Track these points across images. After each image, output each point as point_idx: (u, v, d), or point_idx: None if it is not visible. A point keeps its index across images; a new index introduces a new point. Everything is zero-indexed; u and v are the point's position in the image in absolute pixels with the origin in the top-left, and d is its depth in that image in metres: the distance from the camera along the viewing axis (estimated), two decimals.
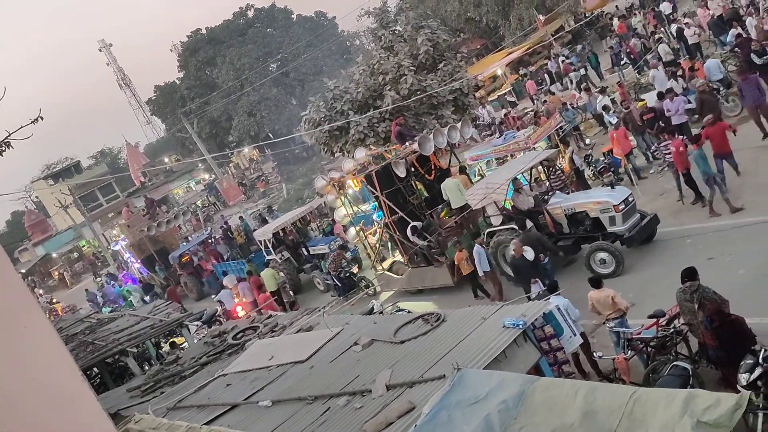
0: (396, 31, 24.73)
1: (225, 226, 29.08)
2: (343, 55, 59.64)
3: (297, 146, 53.66)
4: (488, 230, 14.16)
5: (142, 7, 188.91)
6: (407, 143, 16.92)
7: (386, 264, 16.89)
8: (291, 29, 60.77)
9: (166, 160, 73.49)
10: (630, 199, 12.90)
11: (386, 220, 15.86)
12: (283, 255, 21.03)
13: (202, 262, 26.60)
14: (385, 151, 17.18)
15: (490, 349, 6.65)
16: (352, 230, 17.87)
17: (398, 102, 21.59)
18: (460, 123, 17.17)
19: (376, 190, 15.63)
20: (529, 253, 11.94)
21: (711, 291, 8.06)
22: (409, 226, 15.21)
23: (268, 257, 21.00)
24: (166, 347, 15.94)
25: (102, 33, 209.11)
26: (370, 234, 17.73)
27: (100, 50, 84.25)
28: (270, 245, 20.84)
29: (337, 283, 17.63)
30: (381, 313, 11.99)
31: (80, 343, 14.36)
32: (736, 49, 18.92)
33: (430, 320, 7.99)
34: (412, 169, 16.45)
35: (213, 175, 56.68)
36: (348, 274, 17.69)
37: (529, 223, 13.49)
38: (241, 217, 30.67)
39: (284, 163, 55.77)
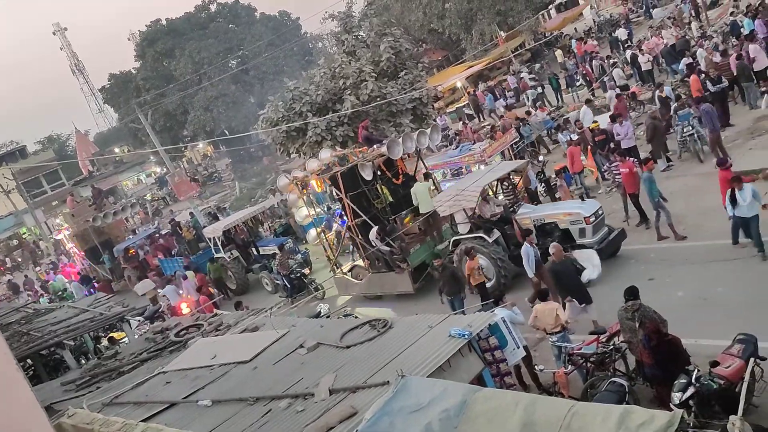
0: (359, 37, 24.79)
1: (174, 220, 28.54)
2: (305, 56, 59.29)
3: (253, 145, 53.07)
4: (454, 238, 14.07)
5: None
6: (374, 146, 16.85)
7: (346, 267, 16.69)
8: (253, 27, 60.15)
9: (117, 150, 71.62)
10: (600, 212, 13.09)
11: (349, 223, 15.70)
12: (232, 253, 20.78)
13: (148, 257, 26.04)
14: (351, 153, 16.99)
15: (435, 358, 6.69)
16: (313, 231, 17.63)
17: (357, 107, 21.61)
18: (429, 129, 17.16)
19: (341, 192, 15.42)
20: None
21: (651, 310, 8.31)
22: (372, 230, 15.07)
23: (216, 255, 20.72)
24: (105, 342, 15.50)
25: (58, 16, 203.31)
26: (331, 236, 17.54)
27: (54, 33, 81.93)
28: (219, 243, 20.58)
29: (286, 284, 17.49)
30: (328, 316, 11.93)
31: (14, 333, 13.84)
32: (687, 78, 19.64)
33: (377, 326, 7.99)
34: (379, 173, 16.28)
35: (165, 169, 55.54)
36: (298, 276, 17.55)
37: (496, 233, 13.48)
38: (191, 213, 30.16)
39: (239, 161, 55.04)
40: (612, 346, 8.72)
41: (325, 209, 18.56)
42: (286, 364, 8.04)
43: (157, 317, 17.43)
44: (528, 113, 23.57)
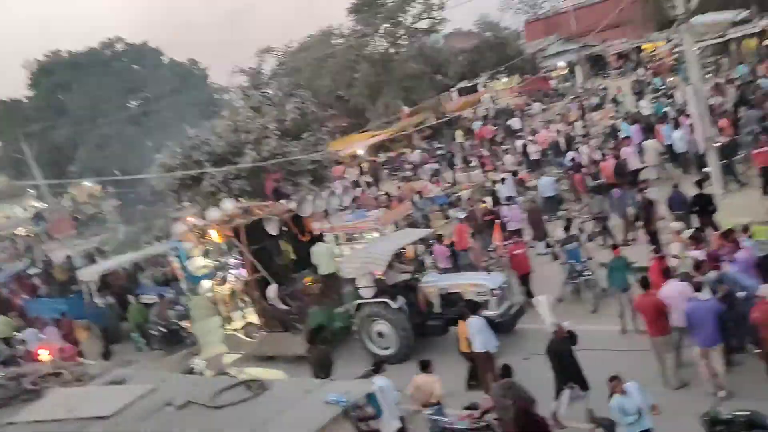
0: (266, 94, 24.96)
1: (46, 258, 26.75)
2: (209, 106, 58.68)
3: (144, 189, 51.23)
4: (358, 302, 13.81)
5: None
6: (282, 201, 16.62)
7: (238, 324, 15.98)
8: (159, 71, 59.09)
9: None
10: (504, 285, 13.28)
11: (248, 278, 15.18)
12: (107, 300, 19.60)
13: (13, 296, 24.08)
14: (255, 206, 16.60)
15: (309, 424, 6.53)
16: (207, 283, 16.83)
17: (258, 162, 21.53)
18: (341, 190, 17.19)
19: (242, 245, 14.94)
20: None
21: (523, 389, 8.59)
22: (271, 287, 14.62)
23: (88, 300, 19.47)
24: None
25: None
26: (227, 290, 16.74)
27: None
28: (94, 287, 19.40)
29: (162, 336, 16.63)
30: (201, 373, 11.42)
31: None
32: (570, 171, 21.12)
33: (253, 387, 7.72)
34: (285, 229, 15.95)
35: (45, 204, 52.27)
36: (176, 328, 16.73)
37: (400, 300, 13.41)
38: (68, 256, 28.40)
39: (127, 205, 52.77)
40: (485, 423, 8.89)
41: (222, 261, 17.63)
42: (151, 422, 7.54)
43: (12, 362, 16.03)
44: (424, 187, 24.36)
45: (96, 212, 50.75)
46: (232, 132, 23.22)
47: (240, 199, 19.28)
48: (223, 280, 16.78)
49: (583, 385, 9.34)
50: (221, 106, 56.37)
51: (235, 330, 15.80)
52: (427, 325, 13.32)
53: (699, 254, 11.17)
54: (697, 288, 9.68)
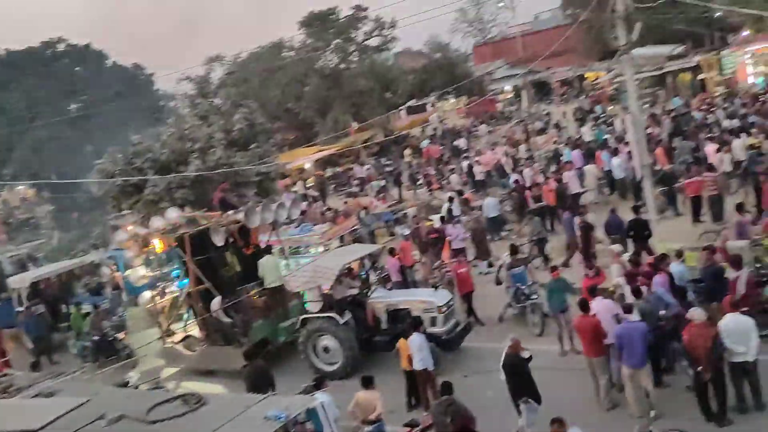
0: (214, 103, 24.67)
1: None
2: (154, 113, 57.55)
3: (81, 195, 49.66)
4: (303, 316, 13.64)
5: None
6: (229, 212, 16.33)
7: (178, 337, 15.47)
8: (102, 74, 57.65)
9: None
10: (451, 303, 13.34)
11: (191, 289, 14.72)
12: (37, 308, 18.82)
13: None
14: (201, 216, 16.16)
15: None
16: (146, 294, 16.29)
17: (203, 171, 21.19)
18: (290, 202, 16.93)
19: (186, 255, 14.49)
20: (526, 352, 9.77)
21: (463, 407, 8.66)
22: (215, 299, 14.19)
23: (17, 309, 18.68)
24: None
25: None
26: (167, 301, 16.17)
27: None
28: (25, 295, 18.64)
29: (96, 347, 16.09)
30: (136, 387, 11.09)
31: None
32: (513, 193, 21.58)
33: (190, 402, 7.55)
34: (231, 240, 15.51)
35: None
36: (111, 339, 16.23)
37: (347, 315, 13.32)
38: None
39: (62, 210, 50.98)
40: None
41: (164, 272, 17.14)
42: None
43: None
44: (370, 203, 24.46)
45: (29, 217, 48.79)
46: (177, 140, 22.83)
47: (185, 208, 18.86)
48: (164, 291, 16.41)
49: (537, 399, 9.39)
50: (167, 113, 55.45)
51: (174, 343, 15.33)
52: (374, 341, 13.25)
53: (622, 280, 11.45)
54: (628, 310, 9.99)
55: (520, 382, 9.46)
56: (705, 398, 9.32)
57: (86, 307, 18.42)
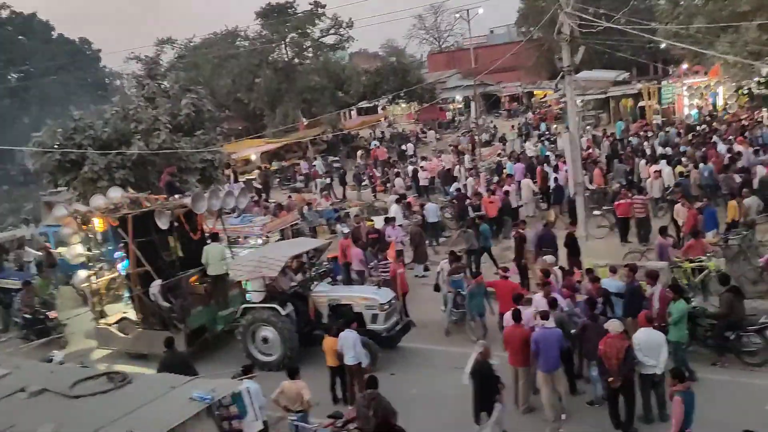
0: (162, 86, 24.25)
1: None
2: (98, 90, 55.96)
3: (15, 167, 47.86)
4: (244, 306, 13.60)
5: None
6: (175, 196, 16.05)
7: (112, 319, 15.12)
8: (47, 46, 55.75)
9: None
10: (393, 301, 13.47)
11: (131, 271, 14.43)
12: None
13: None
14: (146, 198, 15.80)
15: (170, 418, 6.49)
16: (82, 273, 15.88)
17: (144, 153, 20.85)
18: (238, 190, 16.78)
19: (127, 236, 14.21)
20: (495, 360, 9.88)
21: (386, 401, 8.91)
22: (155, 282, 13.97)
23: None
24: None
25: None
26: (103, 282, 15.82)
27: None
28: None
29: (26, 324, 15.68)
30: (62, 363, 10.90)
31: None
32: (454, 200, 22.06)
33: (115, 379, 7.55)
34: (175, 224, 15.17)
35: None
36: (42, 317, 15.78)
37: (289, 306, 13.33)
38: None
39: None
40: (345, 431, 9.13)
41: (102, 251, 16.65)
42: None
43: None
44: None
45: None
46: (120, 119, 22.31)
47: (129, 189, 18.49)
48: (101, 271, 16.06)
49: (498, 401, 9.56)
50: (112, 91, 54.01)
51: (108, 324, 15.02)
52: (314, 335, 13.26)
53: (541, 300, 11.89)
54: (544, 316, 10.47)
55: (489, 387, 9.56)
56: (615, 407, 9.85)
57: (14, 283, 17.87)
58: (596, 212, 19.69)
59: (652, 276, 11.86)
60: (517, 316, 10.72)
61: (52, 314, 16.09)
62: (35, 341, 14.88)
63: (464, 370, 9.77)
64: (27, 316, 15.89)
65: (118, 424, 6.40)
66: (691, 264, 13.88)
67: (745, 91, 33.95)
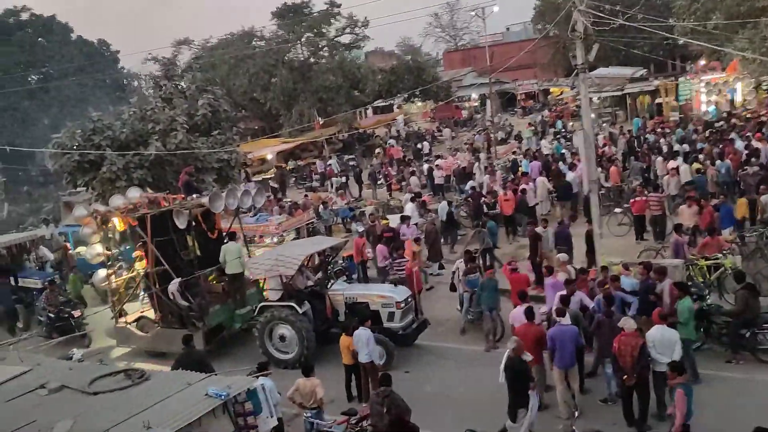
0: (179, 86, 24.47)
1: None
2: (116, 91, 56.57)
3: (35, 168, 48.52)
4: (262, 304, 13.71)
5: None
6: (193, 195, 16.26)
7: (131, 317, 15.37)
8: (66, 47, 56.43)
9: None
10: (409, 299, 13.54)
11: (150, 270, 14.63)
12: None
13: None
14: (164, 198, 15.99)
15: (187, 415, 6.62)
16: (102, 272, 16.02)
17: (162, 153, 21.08)
18: (255, 190, 16.98)
19: (147, 236, 14.42)
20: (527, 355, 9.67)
21: (400, 398, 8.97)
22: (174, 281, 14.15)
23: None
24: None
25: None
26: (122, 280, 16.05)
27: None
28: None
29: (50, 323, 15.95)
30: (81, 361, 11.10)
31: None
32: (469, 199, 22.04)
33: (133, 376, 7.71)
34: (193, 224, 15.41)
35: None
36: (67, 316, 16.01)
37: (306, 305, 13.43)
38: None
39: (14, 182, 49.76)
40: (359, 428, 9.22)
41: (121, 250, 16.90)
42: (20, 404, 7.36)
43: None
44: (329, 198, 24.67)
45: None
46: (138, 120, 22.59)
47: (147, 189, 18.72)
48: (120, 270, 16.30)
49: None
50: (130, 92, 54.52)
51: (128, 323, 15.26)
52: (331, 333, 13.35)
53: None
54: (560, 313, 10.48)
55: (522, 383, 9.47)
56: (629, 404, 9.85)
57: (34, 282, 18.18)
58: (617, 210, 19.63)
59: (661, 272, 11.84)
60: (530, 314, 10.73)
61: (76, 313, 16.36)
62: (57, 338, 15.09)
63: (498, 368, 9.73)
64: (51, 314, 16.16)
65: (136, 420, 6.54)
66: (707, 261, 13.81)
67: (765, 87, 33.53)
